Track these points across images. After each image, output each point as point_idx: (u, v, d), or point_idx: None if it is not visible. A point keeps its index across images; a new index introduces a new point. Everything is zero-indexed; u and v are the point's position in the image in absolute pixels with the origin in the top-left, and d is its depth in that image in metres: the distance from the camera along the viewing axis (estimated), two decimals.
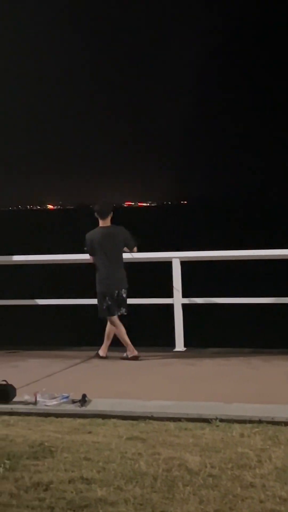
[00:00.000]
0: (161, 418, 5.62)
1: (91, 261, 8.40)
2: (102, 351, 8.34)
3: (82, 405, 5.96)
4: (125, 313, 8.36)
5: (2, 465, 4.57)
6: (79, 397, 6.05)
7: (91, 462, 4.63)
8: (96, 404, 6.00)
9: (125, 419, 5.63)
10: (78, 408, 5.93)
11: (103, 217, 8.37)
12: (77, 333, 11.83)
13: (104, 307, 8.28)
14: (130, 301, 8.41)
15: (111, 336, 8.37)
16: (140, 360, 8.06)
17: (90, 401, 6.05)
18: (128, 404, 5.97)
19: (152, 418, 5.63)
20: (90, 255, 8.39)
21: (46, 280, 19.02)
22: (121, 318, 8.33)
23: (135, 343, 8.21)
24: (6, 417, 5.83)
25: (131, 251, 8.43)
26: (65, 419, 5.75)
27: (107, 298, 8.25)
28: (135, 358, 8.14)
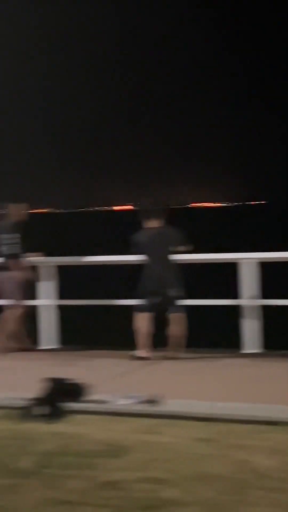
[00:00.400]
0: (231, 420, 5.58)
1: (142, 261, 8.42)
2: (173, 351, 8.31)
3: (152, 405, 5.99)
4: (182, 312, 8.32)
5: (74, 463, 4.64)
6: (150, 397, 6.08)
7: (161, 462, 4.65)
8: (167, 405, 6.01)
9: (195, 420, 5.62)
10: (149, 408, 5.95)
11: (152, 218, 8.37)
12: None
13: (146, 304, 8.30)
14: (203, 302, 8.34)
15: (145, 331, 8.29)
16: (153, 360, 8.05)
17: (161, 401, 6.07)
18: (198, 405, 5.96)
19: (222, 420, 5.60)
20: (138, 255, 8.42)
21: (122, 281, 19.16)
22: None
23: (209, 344, 8.19)
24: (78, 416, 5.90)
25: (182, 249, 8.37)
26: (136, 419, 5.78)
27: (151, 296, 8.28)
28: (141, 358, 8.14)
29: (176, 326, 8.31)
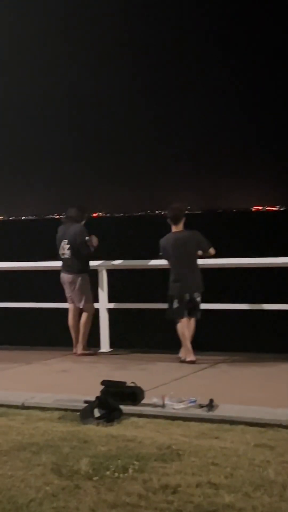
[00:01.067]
0: None
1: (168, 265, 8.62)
2: (183, 354, 8.45)
3: (209, 410, 5.96)
4: (199, 317, 8.49)
5: (131, 466, 4.64)
6: (207, 402, 6.05)
7: (219, 467, 4.62)
8: (224, 410, 5.97)
9: (253, 426, 5.57)
10: (205, 413, 5.93)
11: (175, 223, 8.54)
12: (203, 338, 11.84)
13: (172, 309, 8.45)
14: (261, 306, 8.28)
15: (187, 336, 8.43)
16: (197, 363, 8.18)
17: (217, 406, 6.04)
18: (256, 410, 5.91)
19: (281, 426, 5.53)
20: (165, 259, 8.60)
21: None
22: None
23: (265, 349, 8.16)
24: (135, 419, 5.92)
25: (206, 253, 8.51)
26: (192, 423, 5.77)
27: (176, 301, 8.42)
28: (192, 362, 8.26)
29: (187, 330, 8.47)
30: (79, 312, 9.39)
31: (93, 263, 9.47)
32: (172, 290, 8.50)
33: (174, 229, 8.60)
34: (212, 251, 8.52)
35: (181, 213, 8.60)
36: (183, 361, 8.36)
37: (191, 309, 8.48)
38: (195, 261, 8.50)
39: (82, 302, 9.27)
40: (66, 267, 9.32)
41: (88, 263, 9.30)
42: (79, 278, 9.22)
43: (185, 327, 8.43)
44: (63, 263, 9.36)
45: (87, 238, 9.15)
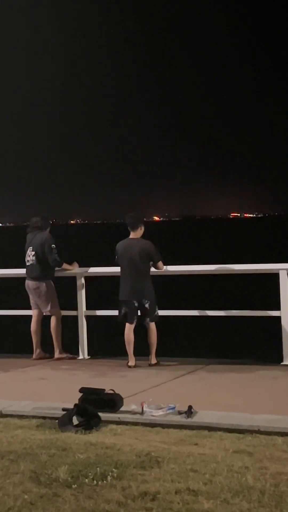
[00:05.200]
0: (268, 432, 5.53)
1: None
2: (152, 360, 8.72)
3: (188, 417, 5.96)
4: (151, 322, 8.69)
5: (110, 473, 4.63)
6: (186, 408, 6.06)
7: (198, 474, 4.62)
8: (202, 416, 5.98)
9: (231, 432, 5.59)
10: (184, 420, 5.93)
11: (133, 229, 8.76)
12: (179, 344, 11.88)
13: (121, 314, 8.71)
14: (238, 312, 8.33)
15: (132, 341, 8.68)
16: (134, 368, 8.48)
17: (196, 412, 6.05)
18: (234, 417, 5.92)
19: (259, 432, 5.55)
20: (116, 264, 8.81)
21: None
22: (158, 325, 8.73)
23: (243, 356, 8.19)
24: (113, 426, 5.91)
25: (155, 266, 8.74)
26: (171, 430, 5.77)
27: (124, 306, 8.66)
28: (129, 367, 8.56)
29: (151, 334, 8.72)
30: (42, 318, 9.56)
31: (72, 271, 9.57)
32: (121, 295, 8.73)
33: (131, 235, 8.81)
34: (160, 265, 8.76)
35: (138, 221, 8.82)
36: (127, 365, 8.62)
37: (141, 315, 8.71)
38: (146, 269, 8.69)
39: (49, 308, 9.41)
40: (30, 274, 9.46)
41: (52, 269, 9.43)
42: (44, 284, 9.37)
43: (131, 333, 8.69)
44: (27, 270, 9.51)
45: (53, 245, 9.29)
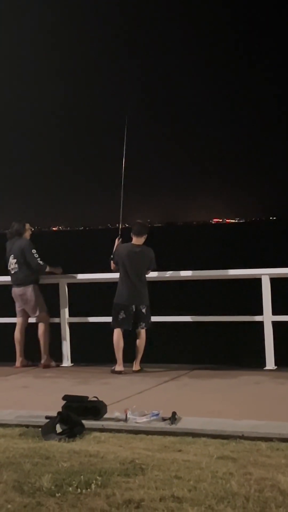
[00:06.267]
0: (252, 437, 5.53)
1: (113, 269, 8.88)
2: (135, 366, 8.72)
3: (172, 423, 5.95)
4: (145, 327, 8.76)
5: (94, 481, 4.60)
6: (169, 415, 6.04)
7: (182, 480, 4.61)
8: (186, 422, 5.97)
9: (215, 438, 5.58)
10: (168, 426, 5.92)
11: (137, 236, 8.86)
12: (162, 351, 11.87)
13: (118, 319, 8.71)
14: (221, 318, 8.36)
15: (121, 347, 8.70)
16: (122, 374, 8.48)
17: (180, 419, 6.03)
18: (218, 423, 5.91)
19: (243, 437, 5.55)
20: (114, 264, 8.84)
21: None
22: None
23: (227, 361, 8.19)
24: (97, 434, 5.88)
25: (147, 273, 8.85)
26: (155, 436, 5.75)
27: (122, 311, 8.69)
28: (118, 372, 8.57)
29: (141, 340, 8.75)
30: (26, 327, 9.53)
31: (54, 278, 9.59)
32: (120, 300, 8.74)
33: (134, 241, 8.88)
34: (149, 272, 8.87)
35: (144, 229, 8.94)
36: (113, 371, 8.62)
37: (135, 320, 8.72)
38: (144, 275, 8.80)
39: (37, 313, 9.37)
40: (16, 281, 9.44)
41: (36, 274, 9.43)
42: (30, 289, 9.35)
43: (121, 338, 8.72)
44: (12, 278, 9.50)
45: (33, 250, 9.31)
